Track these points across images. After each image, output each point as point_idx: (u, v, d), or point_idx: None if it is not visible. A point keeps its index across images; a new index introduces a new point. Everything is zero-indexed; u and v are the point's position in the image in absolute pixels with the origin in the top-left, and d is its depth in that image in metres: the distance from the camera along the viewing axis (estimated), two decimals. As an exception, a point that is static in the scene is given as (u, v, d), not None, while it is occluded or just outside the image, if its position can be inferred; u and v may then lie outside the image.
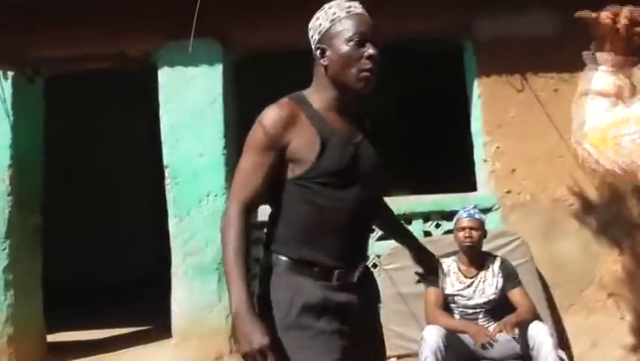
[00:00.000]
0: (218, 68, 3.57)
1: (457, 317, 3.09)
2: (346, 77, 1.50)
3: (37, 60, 3.64)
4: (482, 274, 3.09)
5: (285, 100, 1.54)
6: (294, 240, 1.51)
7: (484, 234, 3.13)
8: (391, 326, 3.37)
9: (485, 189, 3.70)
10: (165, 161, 3.60)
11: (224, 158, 3.59)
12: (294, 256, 1.50)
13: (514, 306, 3.01)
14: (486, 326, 3.02)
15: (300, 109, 1.52)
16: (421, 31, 3.68)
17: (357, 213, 1.52)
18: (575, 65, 3.62)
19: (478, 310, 3.06)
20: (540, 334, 2.90)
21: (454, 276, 3.11)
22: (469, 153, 3.87)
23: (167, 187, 3.62)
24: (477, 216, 3.13)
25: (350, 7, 1.53)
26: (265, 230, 1.59)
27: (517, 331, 2.86)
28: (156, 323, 4.12)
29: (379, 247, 3.68)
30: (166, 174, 3.61)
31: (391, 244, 3.65)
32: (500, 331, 2.83)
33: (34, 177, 3.80)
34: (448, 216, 3.58)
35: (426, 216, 3.73)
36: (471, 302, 3.06)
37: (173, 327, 3.62)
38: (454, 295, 3.08)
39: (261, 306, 1.50)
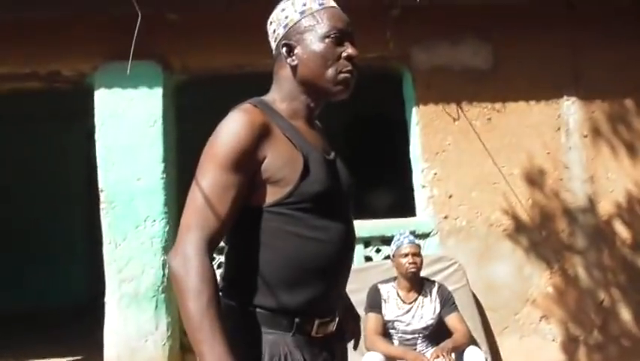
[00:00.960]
0: (158, 91, 3.51)
1: (396, 342, 3.11)
2: (321, 80, 1.25)
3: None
4: (421, 299, 3.14)
5: (249, 106, 1.22)
6: (268, 284, 1.19)
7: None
8: (332, 352, 3.36)
9: (424, 214, 3.78)
10: (100, 184, 3.49)
11: (163, 182, 3.51)
12: (267, 304, 1.19)
13: (450, 331, 3.07)
14: (424, 351, 3.06)
15: (269, 117, 1.22)
16: (361, 59, 3.75)
17: (341, 246, 1.26)
18: (508, 96, 3.87)
19: (416, 335, 3.10)
20: (475, 359, 2.97)
21: (393, 302, 3.14)
22: (409, 178, 3.95)
23: (103, 212, 3.49)
24: (416, 241, 3.20)
25: (329, 3, 1.28)
26: (222, 272, 1.27)
27: (453, 356, 2.91)
28: (89, 354, 3.93)
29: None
30: (101, 198, 3.49)
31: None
32: (437, 357, 2.87)
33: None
34: (389, 241, 3.63)
35: (366, 241, 3.76)
36: (409, 328, 3.10)
37: (106, 358, 3.47)
38: (394, 320, 3.11)
39: None
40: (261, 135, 1.17)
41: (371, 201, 4.24)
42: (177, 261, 1.11)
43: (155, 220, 3.47)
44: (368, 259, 3.76)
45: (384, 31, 3.63)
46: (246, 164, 1.16)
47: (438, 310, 3.12)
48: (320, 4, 1.26)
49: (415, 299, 3.14)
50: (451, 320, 3.10)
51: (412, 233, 3.39)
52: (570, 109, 3.86)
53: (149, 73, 3.50)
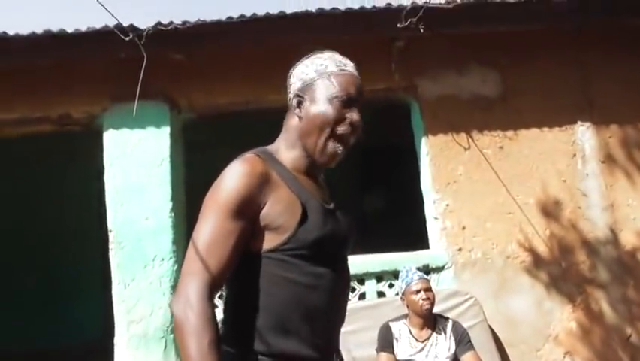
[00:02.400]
0: (165, 130, 3.54)
1: (409, 383, 2.98)
2: (313, 142, 1.29)
3: (-23, 124, 3.55)
4: (434, 337, 3.02)
5: (252, 155, 1.27)
6: (266, 330, 1.20)
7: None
8: (344, 393, 3.24)
9: (437, 246, 3.67)
10: (109, 224, 3.49)
11: (171, 221, 3.50)
12: (266, 351, 1.20)
13: (467, 371, 2.93)
14: (439, 392, 2.92)
15: (270, 166, 1.26)
16: (367, 91, 3.73)
17: (337, 292, 1.28)
18: (520, 123, 3.78)
19: (431, 375, 2.97)
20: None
21: (405, 341, 3.02)
22: (421, 210, 3.87)
23: (111, 252, 3.49)
24: (426, 277, 3.09)
25: (342, 62, 1.34)
26: (221, 319, 1.27)
27: (469, 399, 2.77)
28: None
29: (332, 309, 3.59)
30: (110, 238, 3.49)
31: (344, 305, 3.58)
32: (452, 400, 2.73)
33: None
34: (401, 275, 3.54)
35: (378, 276, 3.67)
36: (423, 367, 2.97)
37: (115, 401, 3.42)
38: (407, 360, 2.99)
39: None
40: (261, 183, 1.21)
41: (382, 234, 4.15)
42: (179, 306, 1.14)
43: (163, 260, 3.45)
44: (380, 294, 3.66)
45: (389, 63, 3.61)
46: (247, 211, 1.20)
47: (453, 348, 2.99)
48: (338, 68, 1.33)
49: (429, 337, 3.02)
50: (468, 359, 2.96)
51: (419, 269, 3.29)
52: (585, 134, 3.75)
53: (156, 113, 3.54)
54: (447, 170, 3.69)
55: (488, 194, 3.66)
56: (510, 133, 3.73)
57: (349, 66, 1.36)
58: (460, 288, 3.51)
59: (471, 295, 3.44)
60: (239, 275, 1.23)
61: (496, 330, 3.48)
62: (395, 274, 3.65)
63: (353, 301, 3.62)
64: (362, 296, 3.65)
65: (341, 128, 1.29)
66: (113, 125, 3.52)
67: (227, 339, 1.23)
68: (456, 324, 3.09)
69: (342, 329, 3.47)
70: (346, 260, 1.39)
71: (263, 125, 4.56)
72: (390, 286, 3.66)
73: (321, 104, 1.29)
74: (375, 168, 5.27)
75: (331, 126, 1.29)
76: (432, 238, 3.74)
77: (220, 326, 1.24)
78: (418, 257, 3.62)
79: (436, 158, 3.71)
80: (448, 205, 3.67)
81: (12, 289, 5.07)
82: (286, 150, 1.33)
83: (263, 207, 1.22)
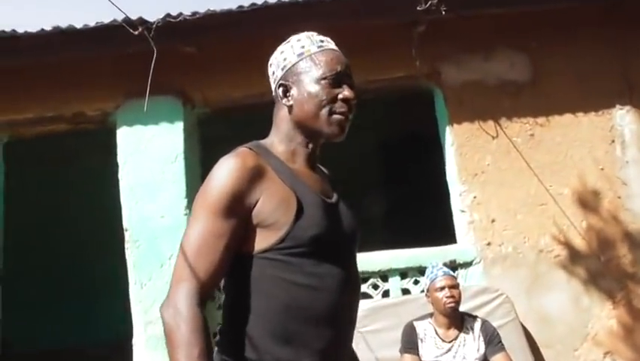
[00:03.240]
0: (179, 126, 3.45)
1: (436, 386, 2.82)
2: (314, 121, 1.21)
3: (-8, 124, 3.54)
4: (462, 337, 2.84)
5: (244, 149, 1.19)
6: (263, 337, 1.12)
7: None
8: (368, 396, 3.10)
9: (465, 241, 3.48)
10: (125, 223, 3.43)
11: (186, 218, 3.40)
12: (264, 359, 1.12)
13: (497, 373, 2.74)
14: (468, 396, 2.75)
15: (264, 160, 1.18)
16: (387, 80, 3.57)
17: (343, 293, 1.17)
18: (552, 109, 3.55)
19: (459, 378, 2.80)
20: (526, 405, 2.63)
21: (431, 341, 2.85)
22: (447, 202, 3.68)
23: (127, 251, 3.43)
24: (452, 273, 2.91)
25: (323, 40, 1.27)
26: (219, 328, 1.22)
27: (499, 403, 2.59)
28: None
29: (354, 308, 3.44)
30: (126, 238, 3.43)
31: (367, 303, 3.42)
32: (481, 405, 2.56)
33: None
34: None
35: (403, 273, 3.50)
36: (451, 369, 2.80)
37: (134, 402, 3.36)
38: (432, 361, 2.82)
39: None
40: (252, 178, 1.14)
41: (407, 228, 3.97)
42: (169, 313, 1.09)
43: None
44: (405, 291, 3.49)
45: (410, 49, 3.43)
46: (238, 209, 1.13)
47: (482, 349, 2.80)
48: (318, 47, 1.25)
49: (456, 337, 2.84)
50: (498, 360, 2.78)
51: (446, 265, 3.11)
52: (624, 119, 3.49)
53: (168, 108, 3.45)
54: (474, 160, 3.49)
55: (518, 185, 3.44)
56: (541, 119, 3.50)
57: (329, 43, 1.28)
58: (490, 284, 3.31)
59: (501, 291, 3.25)
60: (234, 278, 1.17)
61: (530, 329, 3.27)
62: (420, 271, 3.47)
63: (376, 300, 3.47)
64: (386, 294, 3.49)
65: (336, 108, 1.22)
66: (126, 122, 3.45)
67: (223, 347, 1.18)
68: (485, 323, 2.90)
69: (365, 328, 3.32)
70: (354, 257, 1.28)
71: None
72: (416, 283, 3.49)
73: (309, 87, 1.22)
74: (398, 159, 5.08)
75: (327, 108, 1.21)
76: (459, 232, 3.55)
77: (218, 332, 1.22)
78: (445, 252, 3.44)
79: (461, 148, 3.51)
80: (475, 197, 3.47)
81: (29, 291, 5.09)
82: (280, 143, 1.25)
83: (256, 204, 1.14)
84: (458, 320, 2.88)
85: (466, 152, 3.51)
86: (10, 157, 3.74)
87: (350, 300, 1.22)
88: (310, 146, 1.26)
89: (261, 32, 3.31)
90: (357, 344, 3.19)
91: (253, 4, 3.14)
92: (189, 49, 3.37)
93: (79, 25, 3.16)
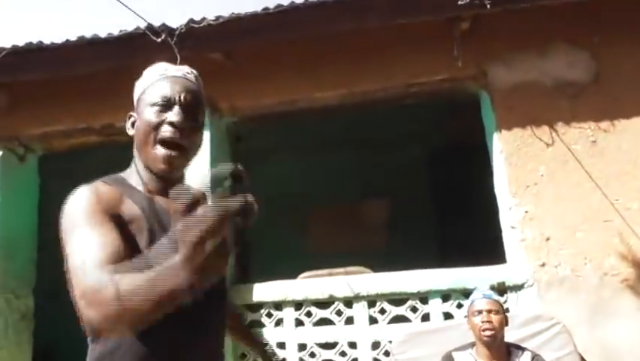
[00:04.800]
0: (206, 136, 3.29)
1: None
2: (145, 151, 1.20)
3: (26, 137, 3.54)
4: (508, 372, 2.51)
5: (95, 182, 1.18)
6: (123, 351, 1.10)
7: (506, 320, 2.55)
8: None
9: (515, 261, 3.12)
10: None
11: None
12: None
13: (550, 415, 2.39)
14: None
15: (119, 190, 1.17)
16: (428, 83, 3.28)
17: (200, 305, 1.03)
18: (617, 112, 3.13)
19: (503, 418, 2.46)
20: None
21: (472, 374, 2.54)
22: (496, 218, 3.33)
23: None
24: (495, 297, 2.58)
25: (166, 69, 1.26)
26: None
27: None
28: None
29: (391, 331, 3.16)
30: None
31: (406, 328, 3.13)
32: None
33: (25, 259, 3.62)
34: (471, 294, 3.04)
35: (445, 295, 3.18)
36: (494, 409, 2.47)
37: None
38: (474, 398, 2.50)
39: None
40: (109, 201, 1.13)
41: (452, 246, 3.65)
42: (101, 309, 0.91)
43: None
44: (448, 316, 3.17)
45: (452, 49, 3.12)
46: (110, 216, 1.10)
47: (532, 387, 2.46)
48: (160, 75, 1.25)
49: (502, 372, 2.51)
50: (551, 402, 2.42)
51: (493, 288, 2.78)
52: (703, 122, 3.01)
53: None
54: (525, 170, 3.13)
55: (578, 198, 3.05)
56: (605, 124, 3.09)
57: (172, 70, 1.26)
58: (544, 311, 2.94)
59: (557, 320, 2.86)
60: None
61: (591, 364, 2.87)
62: (464, 293, 3.14)
63: (415, 324, 3.17)
64: (425, 318, 3.19)
65: (162, 131, 1.18)
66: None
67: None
68: (537, 357, 2.54)
69: (402, 356, 3.02)
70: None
71: (313, 124, 4.21)
72: (459, 306, 3.16)
73: (143, 115, 1.22)
74: (445, 171, 4.73)
75: (153, 132, 1.19)
76: (509, 251, 3.19)
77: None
78: (493, 273, 3.09)
79: (511, 157, 3.16)
80: (527, 212, 3.10)
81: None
82: (134, 173, 1.24)
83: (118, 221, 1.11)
84: (503, 352, 2.54)
85: (516, 161, 3.15)
86: (44, 171, 3.74)
87: (209, 311, 1.19)
88: (154, 177, 1.22)
89: (289, 35, 3.13)
90: (394, 373, 2.93)
91: (279, 6, 2.96)
92: (215, 55, 3.23)
93: (103, 35, 3.08)
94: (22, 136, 3.53)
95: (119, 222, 1.10)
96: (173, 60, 2.93)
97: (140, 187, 1.21)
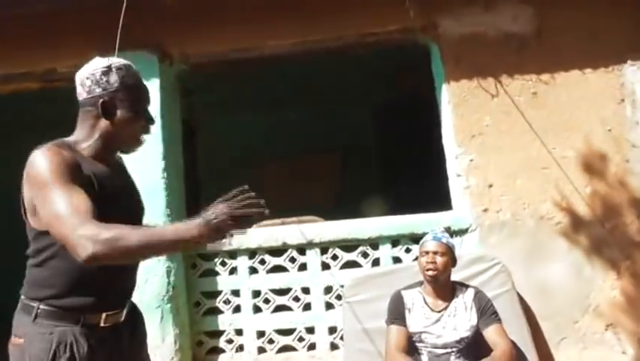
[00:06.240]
0: (155, 83, 3.22)
1: (425, 358, 2.65)
2: (128, 140, 1.60)
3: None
4: (452, 307, 2.67)
5: (49, 145, 1.48)
6: (57, 288, 1.47)
7: (452, 261, 2.70)
8: (354, 367, 2.95)
9: (460, 207, 3.27)
10: (99, 187, 3.24)
11: (164, 182, 3.23)
12: (58, 305, 1.47)
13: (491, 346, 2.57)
14: (458, 369, 2.58)
15: (73, 156, 1.49)
16: (380, 34, 3.31)
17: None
18: (557, 65, 3.28)
19: (449, 350, 2.63)
20: (519, 380, 2.46)
21: (419, 311, 2.68)
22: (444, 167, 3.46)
23: (103, 217, 3.26)
24: (444, 240, 2.71)
25: (138, 76, 1.62)
26: (27, 277, 1.53)
27: (491, 379, 2.41)
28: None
29: (343, 276, 3.27)
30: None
31: (356, 272, 3.25)
32: (470, 380, 2.39)
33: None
34: (420, 239, 3.15)
35: (394, 240, 3.31)
36: (440, 341, 2.63)
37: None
38: (421, 332, 2.65)
39: (20, 359, 1.45)
40: (66, 160, 1.44)
41: (402, 194, 3.77)
42: (88, 248, 1.28)
43: (156, 224, 3.18)
44: (396, 260, 3.31)
45: (403, 1, 3.16)
46: (69, 176, 1.41)
47: (475, 320, 2.63)
48: (138, 81, 1.63)
49: (446, 307, 2.67)
50: (491, 334, 2.60)
51: (448, 229, 2.91)
52: (636, 75, 3.22)
53: (143, 64, 3.18)
54: (471, 120, 3.26)
55: (519, 147, 3.21)
56: (546, 77, 3.24)
57: (138, 75, 1.66)
58: (486, 253, 3.12)
59: (498, 260, 3.05)
60: (36, 245, 1.51)
61: (527, 300, 3.09)
62: (413, 238, 3.28)
63: (365, 268, 3.29)
64: (376, 263, 3.31)
65: (148, 127, 1.67)
66: (99, 79, 3.22)
67: (27, 295, 1.54)
68: (479, 293, 2.72)
69: (353, 298, 3.14)
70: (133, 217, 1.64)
71: (266, 74, 4.16)
72: (408, 251, 3.31)
73: (130, 115, 1.59)
74: (394, 124, 4.83)
75: (141, 127, 1.63)
76: (454, 198, 3.34)
77: (24, 285, 1.54)
78: (439, 219, 3.24)
79: (459, 107, 3.27)
80: (472, 161, 3.24)
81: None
82: (83, 142, 1.57)
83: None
84: (448, 289, 2.70)
85: (463, 112, 3.27)
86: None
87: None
88: (112, 149, 1.62)
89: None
90: (345, 315, 3.05)
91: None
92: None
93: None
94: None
95: (79, 183, 1.41)
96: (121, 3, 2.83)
97: (87, 153, 1.54)
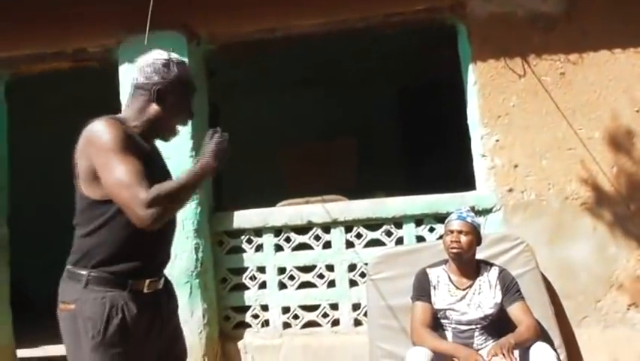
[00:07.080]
0: (184, 62, 3.26)
1: (449, 334, 2.71)
2: (172, 127, 1.80)
3: (-7, 61, 3.40)
4: (477, 285, 2.71)
5: (108, 117, 1.65)
6: (107, 256, 1.61)
7: (477, 240, 2.74)
8: (379, 342, 3.02)
9: (484, 187, 3.29)
10: (130, 165, 3.32)
11: (192, 161, 3.29)
12: (108, 270, 1.60)
13: (514, 323, 2.62)
14: (482, 346, 2.63)
15: (127, 130, 1.64)
16: (406, 13, 3.30)
17: (158, 229, 1.62)
18: (586, 45, 3.26)
19: (473, 326, 2.68)
20: (544, 357, 2.50)
21: (444, 288, 2.73)
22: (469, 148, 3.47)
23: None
24: (469, 219, 2.75)
25: (191, 75, 1.83)
26: (74, 247, 1.65)
27: (516, 354, 2.46)
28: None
29: (367, 254, 3.32)
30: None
31: (380, 250, 3.30)
32: (496, 355, 2.43)
33: (-2, 187, 3.57)
34: (443, 218, 3.19)
35: (418, 219, 3.35)
36: (465, 318, 2.68)
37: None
38: (446, 309, 2.70)
39: (72, 323, 1.58)
40: (128, 140, 1.60)
41: (426, 174, 3.79)
42: (148, 212, 1.51)
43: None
44: (420, 239, 3.35)
45: (431, -22, 3.15)
46: (129, 148, 1.59)
47: (499, 298, 2.68)
48: (188, 74, 1.83)
49: (471, 285, 2.72)
50: (515, 311, 2.64)
51: (472, 209, 2.94)
52: (666, 56, 3.18)
53: (172, 44, 3.23)
54: (497, 101, 3.26)
55: (545, 128, 3.21)
56: (574, 57, 3.22)
57: (189, 69, 1.87)
58: (510, 232, 3.15)
59: (521, 239, 3.08)
60: (86, 215, 1.65)
61: (550, 279, 3.12)
62: (437, 217, 3.32)
63: (389, 247, 3.34)
64: (399, 241, 3.36)
65: (188, 119, 1.90)
66: (127, 58, 3.27)
67: (77, 264, 1.66)
68: (503, 272, 2.76)
69: (377, 276, 3.20)
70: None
71: (294, 54, 4.16)
72: (431, 230, 3.34)
73: (181, 102, 1.80)
74: (417, 104, 4.83)
75: (184, 117, 1.86)
76: (479, 178, 3.36)
77: (71, 255, 1.68)
78: (463, 198, 3.27)
79: (485, 87, 3.27)
80: (497, 141, 3.25)
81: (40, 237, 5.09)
82: (134, 121, 1.72)
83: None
84: (473, 267, 2.75)
85: (489, 92, 3.27)
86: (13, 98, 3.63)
87: (165, 231, 1.72)
88: (153, 134, 1.77)
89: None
90: (369, 292, 3.11)
91: None
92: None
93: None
94: (-12, 60, 3.40)
95: (136, 155, 1.58)
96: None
97: (135, 132, 1.68)
